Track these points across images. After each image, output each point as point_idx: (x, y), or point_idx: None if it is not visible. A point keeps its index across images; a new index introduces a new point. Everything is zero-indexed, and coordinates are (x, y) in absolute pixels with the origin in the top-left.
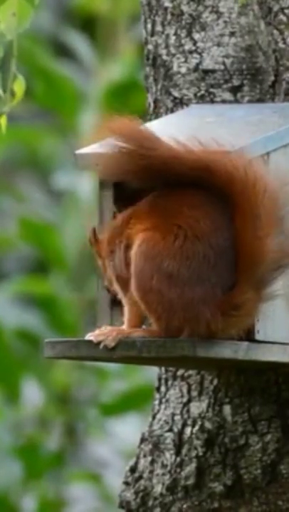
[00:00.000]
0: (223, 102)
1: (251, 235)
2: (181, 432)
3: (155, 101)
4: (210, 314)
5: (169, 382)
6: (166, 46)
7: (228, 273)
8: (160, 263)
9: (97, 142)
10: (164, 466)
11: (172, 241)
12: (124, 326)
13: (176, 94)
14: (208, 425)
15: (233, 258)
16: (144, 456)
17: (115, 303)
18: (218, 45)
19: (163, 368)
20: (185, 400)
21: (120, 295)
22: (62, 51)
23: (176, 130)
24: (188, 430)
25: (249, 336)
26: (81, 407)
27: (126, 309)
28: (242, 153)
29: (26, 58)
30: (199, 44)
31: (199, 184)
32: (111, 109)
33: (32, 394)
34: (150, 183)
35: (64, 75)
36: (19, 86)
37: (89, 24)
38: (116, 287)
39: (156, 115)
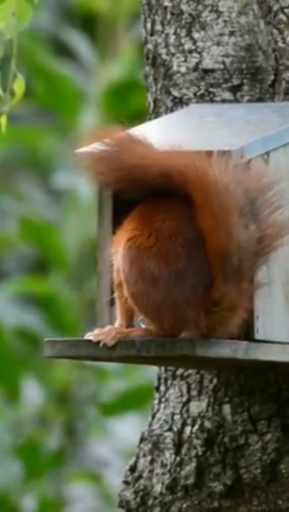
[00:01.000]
0: (223, 101)
1: (214, 227)
2: (180, 432)
3: (155, 100)
4: (194, 313)
5: (169, 382)
6: (166, 45)
7: (205, 271)
8: (142, 265)
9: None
10: (163, 465)
11: (149, 243)
12: (117, 322)
13: (175, 93)
14: (207, 424)
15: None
16: (144, 455)
17: (115, 302)
18: (218, 44)
19: (162, 368)
20: (184, 399)
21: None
22: (62, 50)
23: (175, 130)
24: (187, 429)
25: (248, 335)
26: (81, 407)
27: (117, 303)
28: (195, 151)
29: (26, 58)
30: (199, 43)
31: (165, 190)
32: (111, 109)
33: (32, 393)
34: (132, 192)
35: (64, 75)
36: (19, 85)
37: (89, 23)
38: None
39: (156, 115)
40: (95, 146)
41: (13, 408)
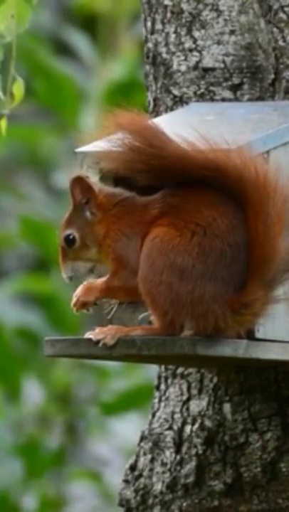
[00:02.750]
0: (223, 100)
1: (263, 234)
2: (181, 430)
3: (155, 99)
4: (220, 311)
5: (169, 381)
6: (166, 44)
7: (242, 271)
8: (174, 258)
9: (103, 138)
10: (163, 464)
11: (190, 237)
12: (104, 279)
13: (175, 92)
14: (208, 423)
15: (247, 257)
16: (144, 454)
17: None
18: (218, 43)
19: (163, 366)
20: (185, 398)
21: (94, 253)
22: (63, 50)
23: (176, 128)
24: (188, 428)
25: (249, 334)
26: (82, 406)
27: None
28: (251, 152)
29: (27, 57)
30: (199, 42)
31: (209, 183)
32: (112, 108)
33: (33, 392)
34: (158, 181)
35: (65, 74)
36: (18, 88)
37: (90, 23)
38: (97, 248)
39: (156, 113)
40: (118, 138)
41: (14, 407)
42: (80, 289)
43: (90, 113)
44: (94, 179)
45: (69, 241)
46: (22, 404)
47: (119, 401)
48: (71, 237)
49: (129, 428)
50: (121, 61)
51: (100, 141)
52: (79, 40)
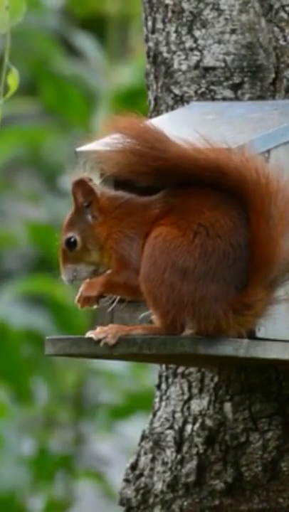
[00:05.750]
0: (224, 99)
1: (265, 234)
2: (181, 430)
3: (156, 98)
4: (222, 312)
5: (170, 380)
6: (167, 43)
7: (243, 272)
8: (176, 258)
9: (102, 139)
10: (164, 463)
11: (192, 238)
12: (105, 276)
13: (176, 91)
14: (208, 423)
15: (249, 258)
16: (145, 453)
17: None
18: (219, 42)
19: (164, 366)
20: (186, 397)
21: (95, 257)
22: (69, 51)
23: (176, 128)
24: (188, 428)
25: (250, 333)
26: (89, 408)
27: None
28: (252, 152)
29: (33, 58)
30: (200, 41)
31: (212, 184)
32: (113, 115)
33: (40, 394)
34: (160, 182)
35: (73, 76)
36: (13, 79)
37: (99, 25)
38: (98, 251)
39: (157, 113)
40: (119, 141)
41: (22, 409)
42: (83, 285)
43: (99, 115)
44: (96, 180)
45: (70, 244)
46: (31, 407)
47: (126, 403)
48: (72, 240)
49: (132, 428)
50: (131, 65)
51: (100, 141)
52: (84, 42)
